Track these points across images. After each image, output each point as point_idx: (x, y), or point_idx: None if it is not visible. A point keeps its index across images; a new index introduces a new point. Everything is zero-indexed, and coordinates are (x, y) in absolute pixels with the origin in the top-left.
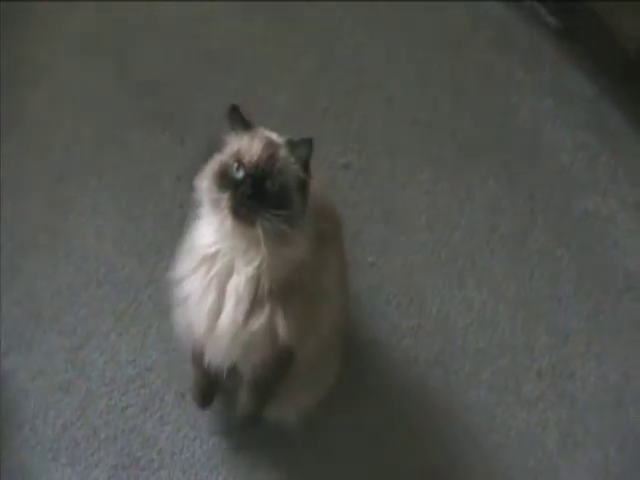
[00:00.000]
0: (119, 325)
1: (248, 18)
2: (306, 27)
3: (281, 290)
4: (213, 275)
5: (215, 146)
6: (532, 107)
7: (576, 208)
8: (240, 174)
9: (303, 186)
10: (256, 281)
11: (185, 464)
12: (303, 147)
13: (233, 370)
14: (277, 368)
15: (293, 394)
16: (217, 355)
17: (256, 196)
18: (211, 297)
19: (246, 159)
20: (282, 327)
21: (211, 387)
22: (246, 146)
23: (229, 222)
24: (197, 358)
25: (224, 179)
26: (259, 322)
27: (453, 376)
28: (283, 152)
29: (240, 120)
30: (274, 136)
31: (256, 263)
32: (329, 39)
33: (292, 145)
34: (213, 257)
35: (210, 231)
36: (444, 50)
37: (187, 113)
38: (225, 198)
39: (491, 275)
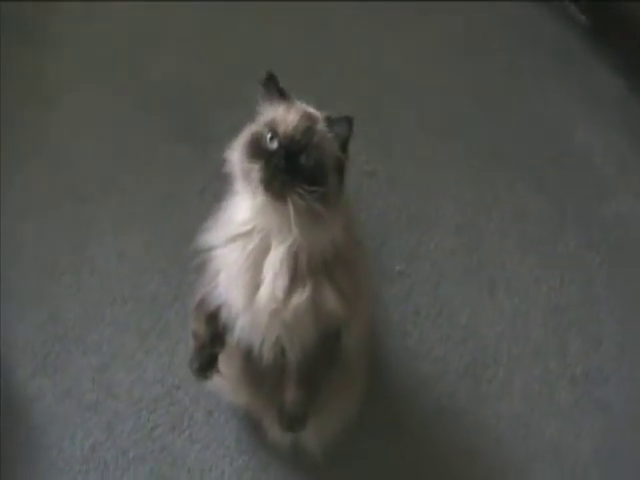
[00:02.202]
0: (145, 343)
1: (265, 27)
2: (325, 33)
3: (323, 265)
4: (250, 251)
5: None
6: (561, 108)
7: (607, 210)
8: (274, 145)
9: (340, 166)
10: (294, 258)
11: None
12: (343, 125)
13: (279, 358)
14: (324, 353)
15: (322, 414)
16: (255, 333)
17: (289, 170)
18: (249, 273)
19: (281, 129)
20: (330, 300)
21: (214, 357)
22: (282, 116)
23: (260, 196)
24: (213, 318)
25: (256, 149)
26: (302, 298)
27: (485, 386)
28: (321, 127)
29: (276, 89)
30: (312, 110)
31: (289, 242)
32: (349, 45)
33: (331, 122)
34: (249, 233)
35: (245, 207)
36: (470, 53)
37: (208, 124)
38: (256, 169)
39: (521, 281)
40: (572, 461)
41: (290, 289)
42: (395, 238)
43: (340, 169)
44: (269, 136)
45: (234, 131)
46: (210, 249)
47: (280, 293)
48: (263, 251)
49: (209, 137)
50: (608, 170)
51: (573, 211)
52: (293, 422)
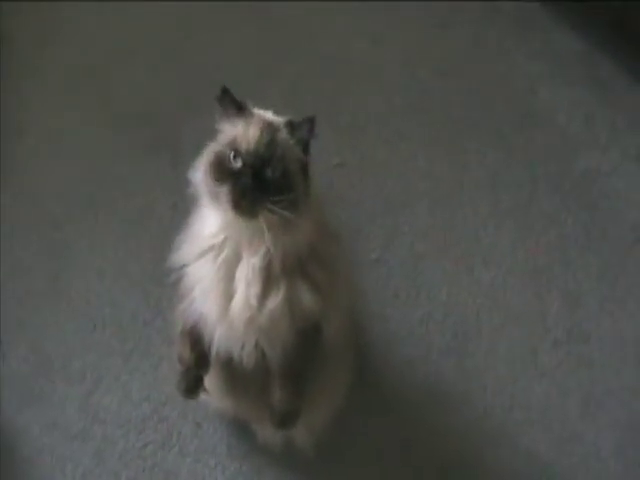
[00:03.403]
0: (129, 363)
1: (228, 29)
2: (287, 29)
3: (296, 264)
4: (221, 262)
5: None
6: (524, 72)
7: (577, 167)
8: (238, 163)
9: (304, 166)
10: (267, 264)
11: None
12: (304, 128)
13: (260, 361)
14: (306, 348)
15: (310, 409)
16: (233, 343)
17: (256, 186)
18: (221, 284)
19: (243, 147)
20: (305, 298)
21: (200, 378)
22: (242, 132)
23: (230, 214)
24: (197, 341)
25: (221, 170)
26: (276, 302)
27: (469, 360)
28: (282, 135)
29: (232, 103)
30: (271, 117)
31: (262, 252)
32: (312, 37)
33: (292, 126)
34: (219, 245)
35: (213, 220)
36: (431, 29)
37: (177, 137)
38: (224, 192)
39: (497, 250)
40: (561, 421)
41: (264, 294)
42: (370, 225)
43: (304, 169)
44: (232, 155)
45: (202, 142)
46: (182, 266)
47: (254, 301)
48: (234, 261)
49: (177, 150)
50: (574, 127)
51: (543, 173)
52: (285, 419)
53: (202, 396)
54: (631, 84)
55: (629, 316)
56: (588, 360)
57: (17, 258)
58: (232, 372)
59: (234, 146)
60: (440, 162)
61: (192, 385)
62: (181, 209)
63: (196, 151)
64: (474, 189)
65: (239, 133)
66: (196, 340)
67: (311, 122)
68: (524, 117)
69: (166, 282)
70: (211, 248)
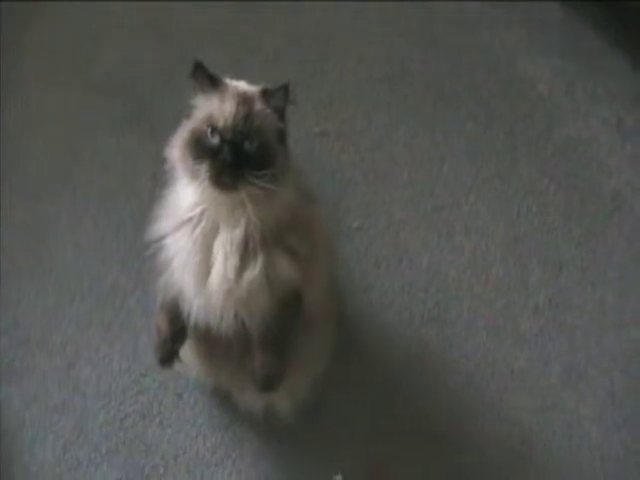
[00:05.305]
0: (109, 335)
1: (204, 7)
2: (267, 5)
3: (275, 234)
4: (198, 234)
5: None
6: (504, 41)
7: (557, 136)
8: (216, 140)
9: (282, 134)
10: (245, 237)
11: (190, 464)
12: (280, 95)
13: (241, 329)
14: (286, 316)
15: (291, 375)
16: (211, 315)
17: (236, 161)
18: (198, 256)
19: (220, 123)
20: (283, 267)
21: (177, 346)
22: (218, 107)
23: (210, 189)
24: (176, 316)
25: (198, 147)
26: (254, 273)
27: (450, 328)
28: (259, 106)
29: (206, 77)
30: (246, 87)
31: (242, 225)
32: (291, 11)
33: (268, 95)
34: (197, 217)
35: (190, 193)
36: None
37: (156, 108)
38: (203, 169)
39: (478, 219)
40: (542, 388)
41: (241, 266)
42: (350, 195)
43: (282, 137)
44: (209, 132)
45: (181, 114)
46: (160, 239)
47: (232, 273)
48: (212, 233)
49: (156, 121)
50: (555, 96)
51: (524, 142)
52: (268, 382)
53: (179, 366)
54: (612, 52)
55: (609, 283)
56: (569, 328)
57: None
58: (211, 342)
59: (211, 122)
60: (421, 131)
61: (167, 356)
62: (160, 180)
63: (175, 122)
64: (455, 158)
65: (215, 108)
66: (175, 315)
67: (286, 89)
68: (505, 86)
69: (146, 254)
70: (189, 220)
